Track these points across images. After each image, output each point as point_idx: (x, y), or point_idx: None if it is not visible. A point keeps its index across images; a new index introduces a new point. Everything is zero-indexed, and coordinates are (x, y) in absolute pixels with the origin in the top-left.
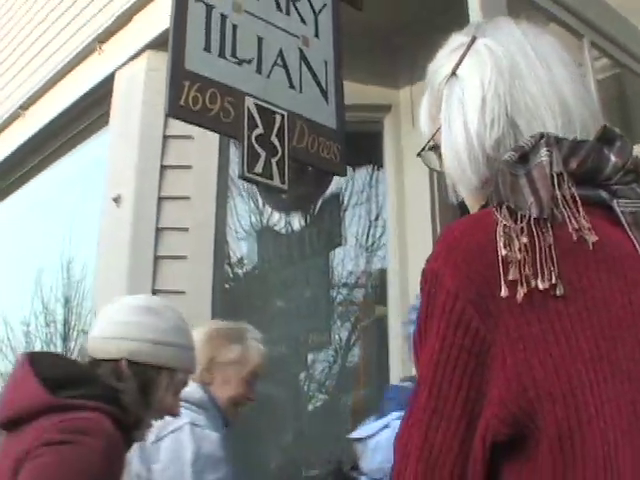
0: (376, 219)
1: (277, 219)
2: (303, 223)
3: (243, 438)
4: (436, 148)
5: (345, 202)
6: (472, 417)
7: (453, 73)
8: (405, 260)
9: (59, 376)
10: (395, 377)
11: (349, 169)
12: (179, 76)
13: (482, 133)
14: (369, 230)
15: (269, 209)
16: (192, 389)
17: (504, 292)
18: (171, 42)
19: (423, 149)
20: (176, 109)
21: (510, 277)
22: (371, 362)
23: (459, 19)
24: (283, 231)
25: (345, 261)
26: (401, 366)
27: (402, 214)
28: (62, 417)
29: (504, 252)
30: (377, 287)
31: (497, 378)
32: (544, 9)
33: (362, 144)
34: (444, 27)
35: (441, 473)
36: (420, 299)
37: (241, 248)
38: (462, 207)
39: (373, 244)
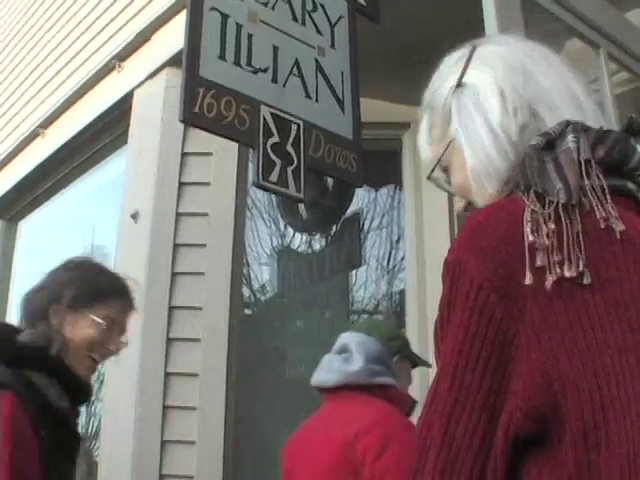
0: (397, 241)
1: (297, 240)
2: (323, 244)
3: (263, 457)
4: (445, 168)
5: (365, 222)
6: (494, 410)
7: (459, 84)
8: (423, 281)
9: None
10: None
11: (368, 188)
12: (193, 83)
13: (506, 122)
14: (389, 250)
15: (289, 230)
16: None
17: (528, 279)
18: (186, 49)
19: (432, 170)
20: (190, 115)
21: (538, 263)
22: None
23: (477, 35)
24: (303, 252)
25: (366, 282)
26: (419, 388)
27: (421, 233)
28: None
29: (531, 238)
30: (396, 308)
31: (521, 370)
32: (560, 20)
33: (381, 162)
34: (462, 43)
35: (461, 471)
36: (443, 288)
37: (261, 268)
38: None
39: (394, 266)
